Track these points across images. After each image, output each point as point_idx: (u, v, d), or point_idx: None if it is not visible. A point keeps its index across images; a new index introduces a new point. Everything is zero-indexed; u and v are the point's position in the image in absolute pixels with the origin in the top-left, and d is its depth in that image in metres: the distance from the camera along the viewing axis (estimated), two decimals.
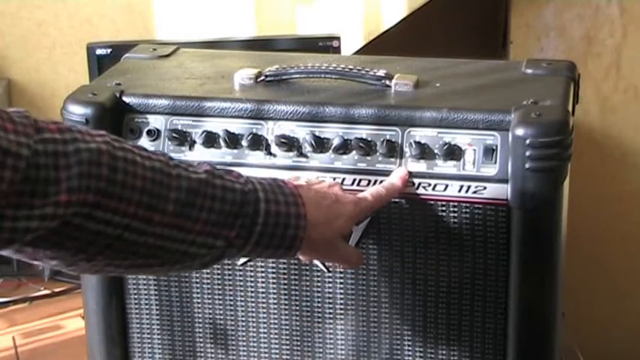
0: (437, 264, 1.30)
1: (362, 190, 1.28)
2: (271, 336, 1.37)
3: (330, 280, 1.33)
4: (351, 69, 1.36)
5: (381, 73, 1.35)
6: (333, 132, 1.30)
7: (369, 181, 1.29)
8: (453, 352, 1.32)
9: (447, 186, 1.27)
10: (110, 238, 1.02)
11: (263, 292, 1.36)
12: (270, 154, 1.31)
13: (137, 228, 1.03)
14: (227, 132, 1.32)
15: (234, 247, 1.11)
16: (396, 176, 1.27)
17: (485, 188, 1.26)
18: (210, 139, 1.32)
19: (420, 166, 1.28)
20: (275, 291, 1.35)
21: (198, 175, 1.08)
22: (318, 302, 1.35)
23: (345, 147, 1.29)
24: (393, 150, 1.28)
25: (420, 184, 1.27)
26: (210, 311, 1.38)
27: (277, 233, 1.13)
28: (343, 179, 1.29)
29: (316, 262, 1.32)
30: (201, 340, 1.40)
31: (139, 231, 1.04)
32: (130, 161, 1.03)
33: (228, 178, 1.11)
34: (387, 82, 1.35)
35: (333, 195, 1.21)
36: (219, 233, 1.09)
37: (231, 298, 1.37)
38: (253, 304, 1.37)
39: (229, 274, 1.36)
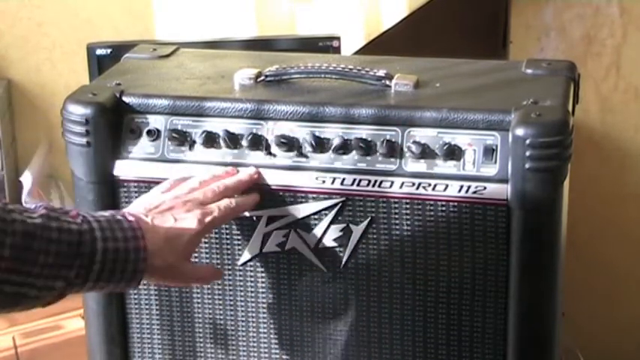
0: (437, 264, 1.30)
1: (362, 190, 1.28)
2: (271, 336, 1.37)
3: (330, 280, 1.34)
4: (351, 69, 1.36)
5: (381, 73, 1.35)
6: (333, 132, 1.30)
7: (369, 181, 1.29)
8: (453, 352, 1.32)
9: (447, 186, 1.27)
10: None
11: (263, 292, 1.36)
12: (270, 154, 1.31)
13: None
14: (227, 132, 1.32)
15: (75, 285, 1.14)
16: (245, 175, 1.30)
17: (485, 188, 1.26)
18: (210, 139, 1.32)
19: (420, 166, 1.28)
20: (275, 291, 1.35)
21: (33, 219, 1.11)
22: (318, 302, 1.35)
23: (345, 147, 1.29)
24: (393, 150, 1.28)
25: (420, 184, 1.27)
26: (210, 311, 1.38)
27: (117, 268, 1.16)
28: (343, 179, 1.29)
29: (313, 260, 1.32)
30: (201, 340, 1.40)
31: None
32: None
33: (64, 219, 1.14)
34: (387, 82, 1.35)
35: (172, 217, 1.22)
36: (57, 275, 1.12)
37: (231, 298, 1.37)
38: (253, 304, 1.37)
39: (229, 274, 1.36)
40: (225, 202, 1.27)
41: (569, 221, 1.32)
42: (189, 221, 1.23)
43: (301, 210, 1.31)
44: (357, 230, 1.30)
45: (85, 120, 1.32)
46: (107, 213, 1.20)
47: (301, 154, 1.31)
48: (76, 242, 1.13)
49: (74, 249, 1.13)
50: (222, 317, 1.38)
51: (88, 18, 2.32)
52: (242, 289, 1.36)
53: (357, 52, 2.31)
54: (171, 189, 1.28)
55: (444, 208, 1.27)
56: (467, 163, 1.27)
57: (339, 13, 2.36)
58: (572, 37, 2.36)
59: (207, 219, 1.24)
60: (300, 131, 1.31)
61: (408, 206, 1.28)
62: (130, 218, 1.19)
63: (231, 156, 1.32)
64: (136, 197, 1.35)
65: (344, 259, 1.32)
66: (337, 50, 2.10)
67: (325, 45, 2.09)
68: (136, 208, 1.24)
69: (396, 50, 1.55)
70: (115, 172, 1.34)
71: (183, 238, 1.22)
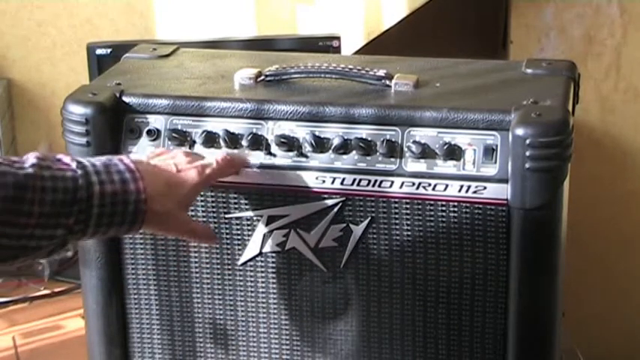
0: (437, 264, 1.30)
1: (362, 190, 1.28)
2: (271, 336, 1.37)
3: (330, 280, 1.34)
4: (351, 69, 1.36)
5: (381, 73, 1.35)
6: (333, 132, 1.30)
7: (369, 181, 1.29)
8: (453, 352, 1.32)
9: (447, 186, 1.27)
10: None
11: (263, 292, 1.36)
12: (270, 154, 1.31)
13: None
14: (227, 132, 1.32)
15: (76, 232, 1.13)
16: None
17: (485, 188, 1.26)
18: (210, 139, 1.32)
19: (420, 166, 1.28)
20: (275, 291, 1.36)
21: (24, 170, 1.09)
22: (318, 302, 1.35)
23: (345, 147, 1.29)
24: (393, 150, 1.28)
25: (420, 184, 1.27)
26: (210, 311, 1.38)
27: (117, 211, 1.15)
28: (343, 179, 1.29)
29: (311, 257, 1.32)
30: (201, 340, 1.40)
31: None
32: None
33: (57, 167, 1.12)
34: (387, 82, 1.35)
35: (174, 165, 1.23)
36: (56, 223, 1.11)
37: (231, 298, 1.37)
38: (253, 304, 1.37)
39: (229, 274, 1.36)
40: (223, 156, 1.27)
41: (569, 221, 1.32)
42: (190, 171, 1.23)
43: (301, 210, 1.31)
44: (357, 230, 1.30)
45: (85, 120, 1.32)
46: (103, 157, 1.18)
47: (301, 154, 1.31)
48: (71, 189, 1.11)
49: (70, 195, 1.11)
50: (222, 317, 1.38)
51: (88, 18, 2.32)
52: (242, 289, 1.36)
53: (357, 52, 2.31)
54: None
55: (443, 208, 1.27)
56: (467, 163, 1.27)
57: (340, 12, 2.36)
58: (572, 37, 2.36)
59: (207, 171, 1.24)
60: (300, 131, 1.31)
61: (408, 206, 1.28)
62: (126, 161, 1.18)
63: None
64: None
65: (344, 259, 1.32)
66: (337, 50, 2.10)
67: (325, 45, 2.09)
68: (139, 156, 1.24)
69: (396, 50, 1.55)
70: None
71: (184, 186, 1.22)
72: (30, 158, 1.12)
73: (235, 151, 1.32)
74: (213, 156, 1.28)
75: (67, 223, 1.11)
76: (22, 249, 1.10)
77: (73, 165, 1.14)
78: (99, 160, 1.16)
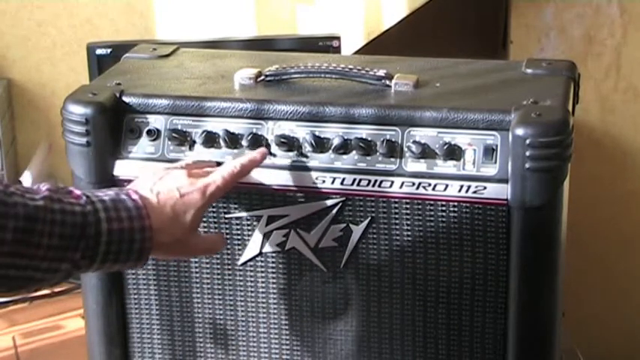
0: (437, 264, 1.30)
1: (362, 190, 1.28)
2: (271, 336, 1.37)
3: (330, 280, 1.34)
4: (351, 69, 1.36)
5: (381, 73, 1.35)
6: (333, 132, 1.30)
7: (369, 181, 1.29)
8: (453, 352, 1.32)
9: (447, 186, 1.27)
10: None
11: (263, 292, 1.36)
12: (270, 154, 1.31)
13: None
14: (227, 132, 1.32)
15: (81, 267, 1.14)
16: (257, 151, 1.29)
17: (485, 188, 1.26)
18: (210, 139, 1.32)
19: (420, 166, 1.28)
20: (275, 291, 1.35)
21: (35, 201, 1.10)
22: (318, 302, 1.35)
23: (345, 147, 1.29)
24: (393, 150, 1.28)
25: (420, 184, 1.27)
26: (210, 311, 1.38)
27: (123, 249, 1.15)
28: (343, 179, 1.29)
29: (312, 258, 1.32)
30: (201, 340, 1.40)
31: None
32: None
33: (67, 200, 1.13)
34: (387, 82, 1.35)
35: (177, 191, 1.21)
36: (63, 257, 1.11)
37: (231, 298, 1.37)
38: (253, 304, 1.37)
39: (229, 274, 1.36)
40: (227, 168, 1.26)
41: (569, 221, 1.32)
42: (193, 194, 1.22)
43: (301, 210, 1.31)
44: (357, 230, 1.30)
45: (85, 120, 1.32)
46: (111, 192, 1.18)
47: (301, 154, 1.31)
48: (80, 224, 1.12)
49: (78, 231, 1.12)
50: (222, 317, 1.38)
51: (88, 18, 2.32)
52: (242, 289, 1.36)
53: (357, 52, 2.31)
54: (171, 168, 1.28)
55: (443, 208, 1.27)
56: (467, 163, 1.27)
57: (340, 12, 2.36)
58: (572, 37, 2.36)
59: (211, 189, 1.23)
60: (300, 131, 1.31)
61: (408, 206, 1.28)
62: (134, 197, 1.18)
63: (231, 156, 1.32)
64: None
65: (344, 259, 1.32)
66: (337, 50, 2.10)
67: (325, 45, 2.09)
68: (141, 184, 1.23)
69: (396, 50, 1.55)
70: (115, 172, 1.34)
71: (189, 213, 1.21)
72: (42, 190, 1.12)
73: (238, 151, 1.31)
74: (219, 171, 1.25)
75: (73, 257, 1.12)
76: (27, 280, 1.11)
77: (83, 200, 1.14)
78: (107, 195, 1.17)
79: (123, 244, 1.15)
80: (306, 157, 1.31)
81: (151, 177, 1.24)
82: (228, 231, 1.34)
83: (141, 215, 1.17)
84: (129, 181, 1.34)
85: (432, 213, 1.28)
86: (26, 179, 2.17)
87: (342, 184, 1.29)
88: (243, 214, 1.33)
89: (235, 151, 1.32)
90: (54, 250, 1.10)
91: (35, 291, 1.16)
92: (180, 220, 1.20)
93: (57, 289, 2.08)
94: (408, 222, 1.29)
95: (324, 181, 1.30)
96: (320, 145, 1.30)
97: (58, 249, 1.11)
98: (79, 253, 1.12)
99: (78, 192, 1.15)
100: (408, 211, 1.29)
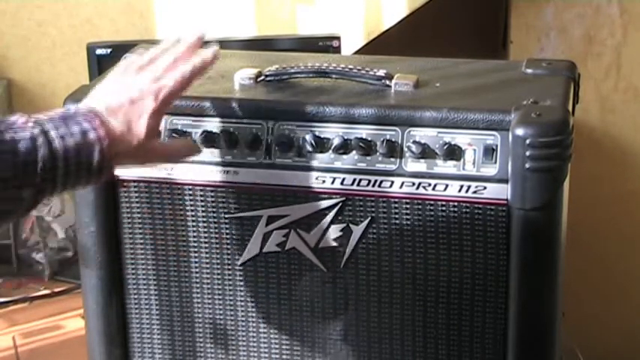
0: (437, 264, 1.30)
1: (362, 190, 1.28)
2: (271, 336, 1.37)
3: (330, 280, 1.34)
4: (351, 69, 1.36)
5: (381, 73, 1.35)
6: (333, 132, 1.30)
7: (369, 181, 1.29)
8: (453, 352, 1.32)
9: (447, 186, 1.27)
10: None
11: (263, 292, 1.36)
12: (270, 154, 1.31)
13: None
14: (227, 132, 1.32)
15: (46, 190, 1.12)
16: (209, 50, 1.27)
17: (485, 188, 1.26)
18: (210, 139, 1.32)
19: (420, 166, 1.28)
20: (275, 291, 1.35)
21: None
22: (318, 302, 1.35)
23: (345, 147, 1.29)
24: (393, 150, 1.28)
25: (420, 184, 1.27)
26: (210, 311, 1.38)
27: (82, 164, 1.14)
28: (343, 179, 1.29)
29: (312, 258, 1.32)
30: (201, 340, 1.40)
31: None
32: None
33: (14, 127, 1.11)
34: (387, 82, 1.35)
35: (128, 99, 1.19)
36: (21, 184, 1.10)
37: (231, 298, 1.37)
38: (253, 304, 1.37)
39: (229, 274, 1.36)
40: (179, 71, 1.23)
41: (569, 221, 1.32)
42: (146, 101, 1.20)
43: (301, 210, 1.31)
44: (357, 230, 1.30)
45: None
46: (60, 109, 1.17)
47: (301, 154, 1.31)
48: (31, 148, 1.10)
49: (31, 155, 1.10)
50: (222, 317, 1.38)
51: (88, 18, 2.32)
52: (242, 289, 1.36)
53: (357, 52, 2.31)
54: (125, 71, 1.26)
55: (443, 208, 1.27)
56: (467, 163, 1.27)
57: (340, 12, 2.36)
58: (572, 37, 2.36)
59: (163, 94, 1.21)
60: (300, 131, 1.31)
61: (408, 206, 1.28)
62: (84, 110, 1.17)
63: (230, 156, 1.32)
64: (136, 197, 1.35)
65: (344, 259, 1.32)
66: (337, 50, 2.10)
67: (325, 45, 2.09)
68: (91, 96, 1.22)
69: (396, 50, 1.55)
70: (115, 172, 1.34)
71: (142, 119, 1.19)
72: None
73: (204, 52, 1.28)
74: (171, 74, 1.23)
75: (32, 182, 1.11)
76: None
77: (30, 123, 1.12)
78: (56, 113, 1.15)
79: (81, 158, 1.13)
80: (306, 157, 1.31)
81: (103, 87, 1.23)
82: (228, 231, 1.34)
83: (94, 127, 1.15)
84: (129, 181, 1.34)
85: (432, 213, 1.28)
86: None
87: (342, 184, 1.29)
88: (243, 214, 1.33)
89: (235, 151, 1.32)
90: (11, 179, 1.09)
91: (8, 222, 1.15)
92: (134, 127, 1.18)
93: (57, 289, 2.08)
94: (408, 222, 1.29)
95: (324, 181, 1.30)
96: (320, 145, 1.30)
97: (14, 178, 1.09)
98: (37, 177, 1.11)
99: (24, 117, 1.13)
100: (408, 211, 1.29)
